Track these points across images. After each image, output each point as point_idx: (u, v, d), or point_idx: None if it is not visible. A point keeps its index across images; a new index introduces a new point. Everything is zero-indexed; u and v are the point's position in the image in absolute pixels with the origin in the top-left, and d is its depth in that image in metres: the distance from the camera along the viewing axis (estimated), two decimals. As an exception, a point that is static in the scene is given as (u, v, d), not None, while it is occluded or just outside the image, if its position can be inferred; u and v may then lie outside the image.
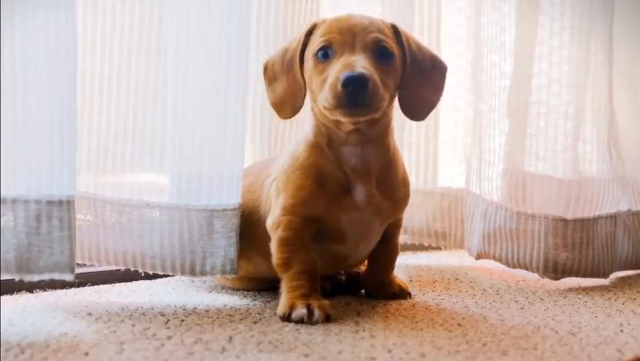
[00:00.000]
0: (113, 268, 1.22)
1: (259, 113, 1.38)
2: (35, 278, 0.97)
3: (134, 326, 0.99)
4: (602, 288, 1.38)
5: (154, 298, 1.17)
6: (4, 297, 1.14)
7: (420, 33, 1.53)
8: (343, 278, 1.28)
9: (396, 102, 1.13)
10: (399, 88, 1.10)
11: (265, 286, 1.23)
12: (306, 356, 0.87)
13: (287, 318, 1.04)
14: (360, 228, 1.12)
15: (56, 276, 0.98)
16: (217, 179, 1.15)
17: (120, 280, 1.29)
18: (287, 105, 1.12)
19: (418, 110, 1.14)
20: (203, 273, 1.15)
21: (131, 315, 1.05)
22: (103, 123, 1.16)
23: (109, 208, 1.15)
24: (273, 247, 1.11)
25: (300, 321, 1.02)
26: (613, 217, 1.45)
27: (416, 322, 1.05)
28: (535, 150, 1.45)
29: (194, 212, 1.14)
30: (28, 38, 0.96)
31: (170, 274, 1.16)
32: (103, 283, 1.27)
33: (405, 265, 1.53)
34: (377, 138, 1.11)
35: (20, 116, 0.96)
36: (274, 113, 1.15)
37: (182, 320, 1.03)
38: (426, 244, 1.64)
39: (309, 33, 1.10)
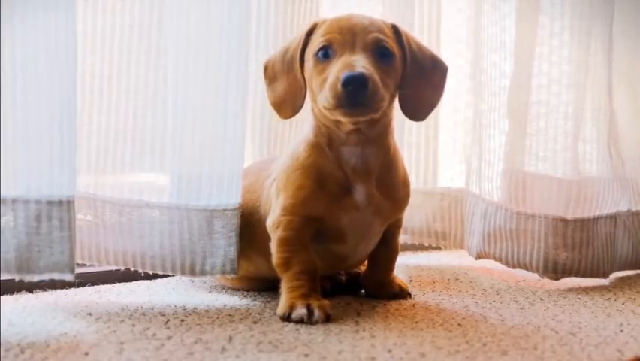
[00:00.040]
0: (113, 268, 1.22)
1: (259, 113, 1.38)
2: (35, 278, 0.97)
3: (134, 326, 0.99)
4: (602, 288, 1.38)
5: (154, 298, 1.17)
6: (4, 297, 1.14)
7: (420, 33, 1.53)
8: (343, 278, 1.28)
9: (396, 102, 1.13)
10: (399, 88, 1.10)
11: (265, 286, 1.23)
12: (306, 356, 0.87)
13: (287, 318, 1.04)
14: (360, 228, 1.12)
15: (56, 276, 0.98)
16: (217, 179, 1.15)
17: (120, 280, 1.29)
18: (287, 105, 1.12)
19: (418, 110, 1.14)
20: (203, 273, 1.15)
21: (131, 315, 1.05)
22: (103, 123, 1.16)
23: (109, 208, 1.15)
24: (273, 246, 1.11)
25: (300, 321, 1.02)
26: (613, 217, 1.45)
27: (416, 322, 1.05)
28: (535, 150, 1.45)
29: (194, 212, 1.14)
30: (28, 38, 0.96)
31: (170, 274, 1.16)
32: (103, 283, 1.27)
33: (405, 265, 1.53)
34: (377, 138, 1.11)
35: (20, 116, 0.96)
36: (274, 113, 1.15)
37: (182, 320, 1.03)
38: (426, 244, 1.64)
39: (310, 33, 1.10)
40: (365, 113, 1.03)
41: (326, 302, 1.06)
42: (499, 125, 1.47)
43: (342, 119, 1.05)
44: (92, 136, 1.16)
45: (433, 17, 1.55)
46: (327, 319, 1.04)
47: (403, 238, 1.40)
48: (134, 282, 1.29)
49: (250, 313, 1.09)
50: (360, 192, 1.10)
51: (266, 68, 1.15)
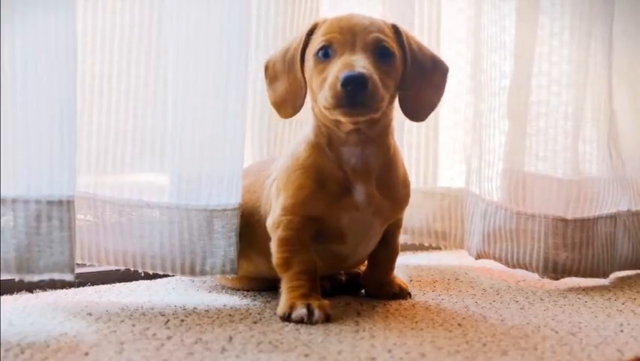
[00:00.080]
0: (113, 268, 1.22)
1: (259, 113, 1.38)
2: (35, 278, 0.97)
3: (134, 326, 0.99)
4: (602, 288, 1.38)
5: (154, 298, 1.17)
6: (4, 297, 1.14)
7: (420, 33, 1.53)
8: (343, 278, 1.28)
9: (396, 102, 1.13)
10: (399, 88, 1.10)
11: (265, 286, 1.23)
12: (306, 356, 0.87)
13: (287, 318, 1.04)
14: (360, 228, 1.12)
15: (56, 276, 0.98)
16: (217, 179, 1.15)
17: (120, 280, 1.29)
18: (287, 105, 1.12)
19: (418, 110, 1.14)
20: (203, 273, 1.15)
21: (131, 315, 1.05)
22: (103, 123, 1.16)
23: (109, 208, 1.15)
24: (273, 246, 1.11)
25: (300, 321, 1.02)
26: (613, 217, 1.45)
27: (416, 322, 1.05)
28: (535, 150, 1.45)
29: (194, 212, 1.14)
30: (28, 38, 0.96)
31: (170, 274, 1.16)
32: (103, 283, 1.27)
33: (405, 265, 1.53)
34: (377, 138, 1.11)
35: (20, 116, 0.96)
36: (273, 113, 1.15)
37: (182, 320, 1.03)
38: (426, 244, 1.64)
39: (310, 32, 1.10)
40: (365, 113, 1.03)
41: (326, 302, 1.06)
42: (499, 125, 1.47)
43: (342, 119, 1.05)
44: (92, 136, 1.16)
45: (433, 17, 1.55)
46: (327, 319, 1.04)
47: (402, 238, 1.40)
48: (134, 282, 1.29)
49: (250, 313, 1.08)
50: (360, 192, 1.10)
51: (266, 68, 1.15)
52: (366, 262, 1.24)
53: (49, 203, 0.98)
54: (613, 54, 1.47)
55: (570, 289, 1.36)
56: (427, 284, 1.35)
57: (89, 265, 1.20)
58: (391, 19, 1.15)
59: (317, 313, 1.03)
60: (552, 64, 1.44)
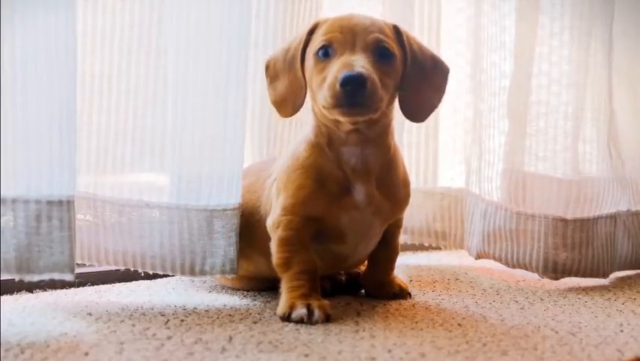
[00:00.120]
0: (113, 268, 1.22)
1: (258, 113, 1.38)
2: (35, 278, 0.97)
3: (134, 326, 0.99)
4: (602, 288, 1.38)
5: (154, 298, 1.17)
6: (4, 297, 1.14)
7: (420, 33, 1.53)
8: (343, 278, 1.28)
9: (396, 103, 1.13)
10: (399, 89, 1.10)
11: (265, 286, 1.23)
12: (306, 356, 0.87)
13: (287, 318, 1.04)
14: (360, 228, 1.12)
15: (56, 276, 0.98)
16: (217, 179, 1.15)
17: (120, 280, 1.29)
18: (288, 104, 1.12)
19: (418, 111, 1.14)
20: (203, 273, 1.15)
21: (131, 315, 1.05)
22: (103, 123, 1.16)
23: (109, 208, 1.15)
24: (273, 246, 1.11)
25: (300, 321, 1.02)
26: (613, 217, 1.45)
27: (416, 322, 1.05)
28: (535, 150, 1.45)
29: (194, 212, 1.14)
30: (28, 38, 0.96)
31: (170, 274, 1.16)
32: (103, 283, 1.27)
33: (405, 265, 1.53)
34: (377, 138, 1.11)
35: (20, 116, 0.96)
36: (273, 112, 1.15)
37: (182, 320, 1.03)
38: (426, 244, 1.64)
39: (311, 32, 1.10)
40: (363, 113, 1.03)
41: (326, 302, 1.06)
42: (499, 125, 1.47)
43: (341, 118, 1.05)
44: (92, 136, 1.16)
45: (433, 17, 1.55)
46: (327, 319, 1.04)
47: (402, 238, 1.40)
48: (134, 282, 1.29)
49: (250, 313, 1.08)
50: (360, 192, 1.10)
51: (267, 67, 1.15)
52: (366, 262, 1.24)
53: (49, 203, 0.98)
54: (613, 54, 1.47)
55: (570, 289, 1.36)
56: (427, 284, 1.35)
57: (89, 265, 1.20)
58: (391, 19, 1.15)
59: (317, 313, 1.03)
60: (552, 64, 1.43)
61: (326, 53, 1.05)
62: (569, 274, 1.40)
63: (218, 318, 1.05)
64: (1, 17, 0.93)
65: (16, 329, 0.96)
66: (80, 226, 1.11)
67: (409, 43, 1.11)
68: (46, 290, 1.19)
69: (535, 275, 1.43)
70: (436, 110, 1.19)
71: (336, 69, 1.01)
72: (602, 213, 1.44)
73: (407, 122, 1.36)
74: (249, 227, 1.17)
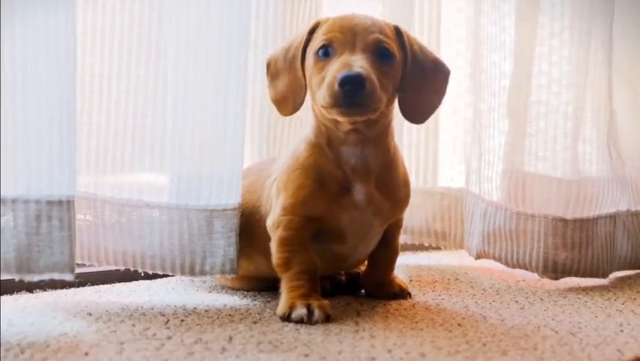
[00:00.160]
0: (113, 268, 1.22)
1: (258, 113, 1.38)
2: (35, 278, 0.97)
3: (134, 326, 0.99)
4: (601, 288, 1.38)
5: (154, 298, 1.17)
6: (4, 297, 1.14)
7: (420, 33, 1.53)
8: (343, 278, 1.28)
9: (396, 104, 1.13)
10: (399, 90, 1.10)
11: (265, 285, 1.23)
12: (306, 356, 0.87)
13: (287, 318, 1.04)
14: (360, 228, 1.12)
15: (56, 276, 0.98)
16: (217, 179, 1.15)
17: (120, 280, 1.29)
18: (288, 102, 1.12)
19: (417, 113, 1.14)
20: (202, 273, 1.15)
21: (131, 315, 1.05)
22: (103, 123, 1.16)
23: (109, 208, 1.15)
24: (273, 246, 1.11)
25: (300, 321, 1.02)
26: (612, 217, 1.45)
27: (416, 322, 1.05)
28: (534, 150, 1.45)
29: (194, 212, 1.14)
30: (28, 38, 0.96)
31: (170, 274, 1.16)
32: (103, 283, 1.27)
33: (405, 265, 1.53)
34: (377, 138, 1.11)
35: (20, 116, 0.96)
36: (273, 112, 1.15)
37: (182, 320, 1.03)
38: (426, 244, 1.64)
39: (312, 31, 1.10)
40: (361, 114, 1.03)
41: (326, 302, 1.06)
42: (498, 125, 1.47)
43: (339, 118, 1.05)
44: (92, 136, 1.16)
45: (433, 17, 1.55)
46: (327, 319, 1.04)
47: (402, 238, 1.40)
48: (134, 282, 1.29)
49: (250, 313, 1.08)
50: (359, 192, 1.10)
51: (268, 65, 1.15)
52: (366, 262, 1.24)
53: (49, 203, 0.98)
54: (613, 54, 1.47)
55: (570, 289, 1.36)
56: (427, 284, 1.35)
57: (89, 265, 1.20)
58: (391, 19, 1.15)
59: (317, 313, 1.03)
60: (552, 64, 1.43)
61: (326, 52, 1.05)
62: (569, 274, 1.40)
63: (218, 318, 1.05)
64: (1, 17, 0.93)
65: (16, 329, 0.96)
66: (79, 226, 1.11)
67: (410, 44, 1.11)
68: (46, 290, 1.19)
69: (535, 275, 1.43)
70: (436, 111, 1.19)
71: (335, 69, 1.01)
72: (601, 213, 1.44)
73: (407, 122, 1.36)
74: (250, 227, 1.17)
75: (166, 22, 1.16)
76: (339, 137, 1.10)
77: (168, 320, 1.03)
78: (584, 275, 1.41)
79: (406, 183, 1.17)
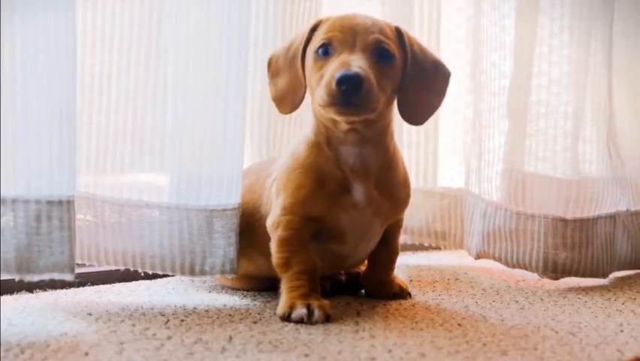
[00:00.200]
0: (113, 268, 1.22)
1: (258, 113, 1.38)
2: (35, 278, 0.97)
3: (134, 326, 0.99)
4: (601, 288, 1.38)
5: (154, 298, 1.17)
6: (4, 297, 1.14)
7: (419, 33, 1.53)
8: (343, 278, 1.28)
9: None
10: (399, 91, 1.10)
11: (265, 285, 1.23)
12: (306, 356, 0.87)
13: (287, 318, 1.04)
14: (359, 228, 1.12)
15: (56, 276, 0.98)
16: (217, 179, 1.15)
17: (120, 280, 1.29)
18: (287, 101, 1.12)
19: (416, 114, 1.13)
20: (202, 273, 1.15)
21: (131, 315, 1.05)
22: (103, 123, 1.16)
23: (108, 208, 1.15)
24: (273, 246, 1.11)
25: (300, 321, 1.02)
26: (612, 217, 1.45)
27: (416, 322, 1.05)
28: (534, 150, 1.45)
29: (194, 212, 1.14)
30: (28, 38, 0.96)
31: (170, 274, 1.16)
32: (103, 283, 1.27)
33: (405, 265, 1.53)
34: (376, 138, 1.11)
35: (20, 116, 0.96)
36: (272, 113, 1.15)
37: (182, 320, 1.03)
38: (426, 244, 1.64)
39: (313, 29, 1.10)
40: (358, 114, 1.03)
41: (326, 302, 1.06)
42: (498, 125, 1.47)
43: (336, 117, 1.05)
44: (92, 136, 1.16)
45: (433, 17, 1.55)
46: (327, 319, 1.04)
47: (402, 238, 1.40)
48: (134, 282, 1.29)
49: (250, 313, 1.09)
50: (358, 192, 1.10)
51: (269, 63, 1.15)
52: (366, 262, 1.24)
53: (49, 203, 0.98)
54: (613, 54, 1.47)
55: (570, 289, 1.36)
56: (427, 284, 1.35)
57: (89, 265, 1.20)
58: (390, 19, 1.15)
59: (317, 313, 1.03)
60: (552, 64, 1.43)
61: (326, 51, 1.05)
62: (569, 274, 1.40)
63: (218, 318, 1.05)
64: (1, 17, 0.93)
65: (16, 329, 0.96)
66: (79, 226, 1.11)
67: (411, 45, 1.11)
68: (46, 290, 1.19)
69: (535, 275, 1.43)
70: (435, 112, 1.19)
71: (334, 68, 1.01)
72: (601, 213, 1.44)
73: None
74: (250, 227, 1.17)
75: (166, 22, 1.15)
76: (338, 136, 1.10)
77: (168, 320, 1.03)
78: (584, 275, 1.41)
79: (405, 184, 1.17)
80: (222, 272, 1.15)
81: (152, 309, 1.09)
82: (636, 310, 1.18)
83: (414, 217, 1.59)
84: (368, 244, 1.17)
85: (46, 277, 0.98)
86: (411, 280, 1.38)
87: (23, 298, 1.15)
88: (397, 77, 1.09)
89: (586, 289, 1.36)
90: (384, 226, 1.17)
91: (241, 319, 1.05)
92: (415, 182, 1.54)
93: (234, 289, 1.26)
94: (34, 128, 0.97)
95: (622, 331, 1.04)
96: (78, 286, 1.23)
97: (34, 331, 0.95)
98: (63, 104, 0.98)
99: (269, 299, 1.18)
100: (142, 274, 1.19)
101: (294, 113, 1.15)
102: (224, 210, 1.14)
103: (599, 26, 1.44)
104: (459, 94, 1.59)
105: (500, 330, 1.02)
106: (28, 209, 0.97)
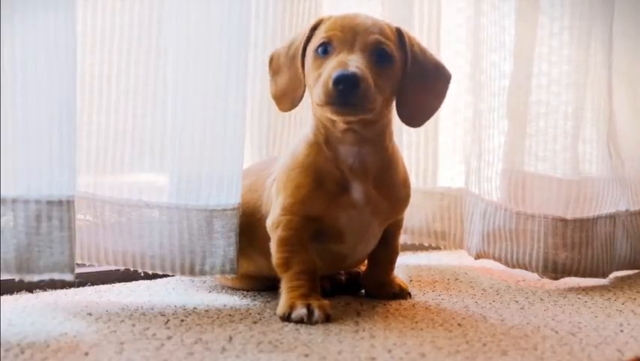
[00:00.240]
0: (113, 268, 1.22)
1: (258, 113, 1.38)
2: (35, 278, 0.97)
3: (134, 326, 0.99)
4: (601, 288, 1.38)
5: (154, 298, 1.17)
6: (4, 297, 1.14)
7: (419, 33, 1.53)
8: (343, 278, 1.28)
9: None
10: (399, 92, 1.10)
11: (265, 285, 1.23)
12: (306, 356, 0.87)
13: (287, 318, 1.04)
14: (358, 227, 1.12)
15: (56, 276, 0.98)
16: (217, 179, 1.15)
17: (120, 280, 1.29)
18: (287, 98, 1.12)
19: (415, 115, 1.13)
20: (202, 273, 1.15)
21: (131, 315, 1.05)
22: (103, 123, 1.16)
23: (108, 208, 1.15)
24: (273, 246, 1.11)
25: (300, 321, 1.02)
26: (612, 217, 1.45)
27: (416, 322, 1.05)
28: (534, 150, 1.45)
29: (194, 212, 1.14)
30: (28, 38, 0.96)
31: (170, 274, 1.16)
32: (103, 283, 1.27)
33: (405, 265, 1.53)
34: (374, 138, 1.10)
35: (20, 116, 0.96)
36: (272, 112, 1.15)
37: (182, 320, 1.03)
38: (426, 244, 1.64)
39: (314, 28, 1.10)
40: (355, 113, 1.03)
41: (326, 302, 1.06)
42: (498, 126, 1.47)
43: (332, 116, 1.05)
44: (92, 136, 1.16)
45: (433, 17, 1.55)
46: (327, 319, 1.04)
47: (402, 238, 1.40)
48: (134, 282, 1.29)
49: (250, 313, 1.09)
50: (357, 191, 1.10)
51: (271, 60, 1.15)
52: (366, 262, 1.24)
53: (49, 203, 0.98)
54: (613, 54, 1.47)
55: (570, 289, 1.36)
56: (427, 284, 1.35)
57: (89, 265, 1.20)
58: (390, 19, 1.15)
59: (317, 313, 1.03)
60: (552, 64, 1.44)
61: (325, 50, 1.06)
62: (569, 274, 1.40)
63: (218, 318, 1.05)
64: (1, 17, 0.93)
65: (16, 329, 0.96)
66: (79, 226, 1.11)
67: (411, 46, 1.11)
68: (46, 290, 1.19)
69: (535, 275, 1.43)
70: (435, 114, 1.19)
71: (332, 67, 1.01)
72: (601, 213, 1.44)
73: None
74: (250, 227, 1.17)
75: (166, 22, 1.15)
76: (337, 136, 1.10)
77: (168, 320, 1.03)
78: (583, 275, 1.41)
79: (405, 184, 1.17)
80: (222, 272, 1.15)
81: (152, 309, 1.09)
82: (636, 310, 1.18)
83: (414, 217, 1.59)
84: (367, 243, 1.17)
85: (46, 277, 0.98)
86: (411, 280, 1.38)
87: (23, 298, 1.15)
88: (396, 78, 1.09)
89: (586, 289, 1.36)
90: (383, 226, 1.17)
91: (241, 319, 1.05)
92: (415, 182, 1.54)
93: (234, 289, 1.26)
94: (34, 128, 0.97)
95: (622, 331, 1.04)
96: (78, 286, 1.23)
97: (34, 331, 0.95)
98: (63, 104, 0.98)
99: (269, 299, 1.18)
100: (142, 274, 1.19)
101: (294, 113, 1.16)
102: (224, 210, 1.14)
103: (599, 26, 1.44)
104: (459, 94, 1.59)
105: (500, 330, 1.02)
106: (28, 209, 0.97)
